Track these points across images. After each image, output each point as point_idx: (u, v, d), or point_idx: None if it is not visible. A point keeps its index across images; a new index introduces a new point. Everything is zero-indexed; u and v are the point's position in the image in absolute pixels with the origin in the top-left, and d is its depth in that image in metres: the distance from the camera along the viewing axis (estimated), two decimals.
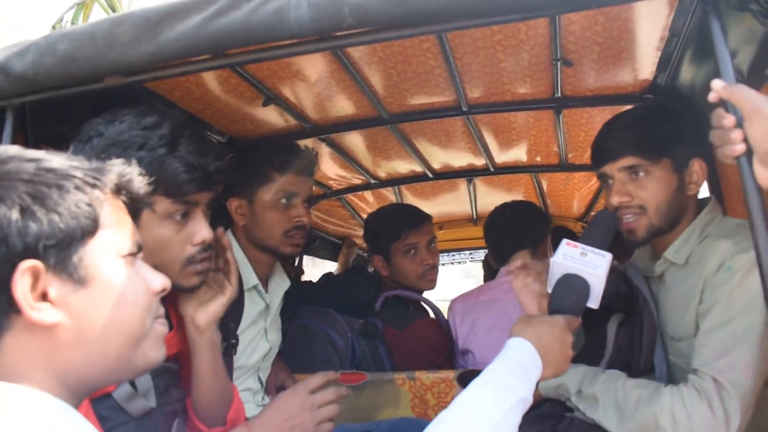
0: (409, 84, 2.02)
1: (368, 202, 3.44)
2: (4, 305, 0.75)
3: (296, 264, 3.05)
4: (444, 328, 2.51)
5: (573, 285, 1.34)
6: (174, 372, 1.46)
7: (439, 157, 2.84)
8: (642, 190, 1.57)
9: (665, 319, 1.58)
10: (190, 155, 1.31)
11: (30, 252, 0.76)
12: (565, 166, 2.89)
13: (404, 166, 2.94)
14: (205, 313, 1.42)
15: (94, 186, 0.83)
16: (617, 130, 1.66)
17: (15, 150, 0.83)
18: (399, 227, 2.59)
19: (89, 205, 0.82)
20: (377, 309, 2.50)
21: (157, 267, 1.28)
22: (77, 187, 0.81)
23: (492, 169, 2.95)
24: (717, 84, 1.07)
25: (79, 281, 0.80)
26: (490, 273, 3.92)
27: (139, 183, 0.91)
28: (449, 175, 3.07)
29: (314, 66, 1.86)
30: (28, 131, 1.51)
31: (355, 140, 2.58)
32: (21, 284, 0.75)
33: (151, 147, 1.28)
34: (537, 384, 1.19)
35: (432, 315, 2.62)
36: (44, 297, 0.77)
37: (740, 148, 1.07)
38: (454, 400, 1.06)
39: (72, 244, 0.79)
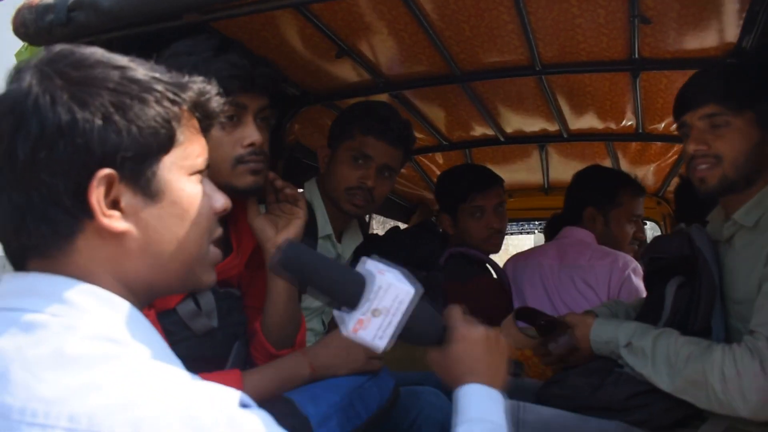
0: (482, 40, 2.02)
1: (439, 165, 3.45)
2: (78, 209, 0.77)
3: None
4: (506, 289, 2.53)
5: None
6: (237, 297, 1.55)
7: (512, 121, 2.82)
8: (720, 140, 1.53)
9: (730, 282, 1.54)
10: (234, 58, 1.41)
11: (108, 161, 0.77)
12: (641, 136, 2.81)
13: (476, 128, 2.92)
14: (287, 235, 1.52)
15: (173, 102, 0.84)
16: (702, 79, 1.63)
17: (101, 54, 0.83)
18: (467, 188, 2.60)
19: (168, 121, 0.83)
20: (442, 263, 2.53)
21: (209, 167, 1.38)
22: (157, 101, 0.82)
23: (565, 135, 2.90)
24: None
25: (150, 196, 0.82)
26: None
27: (217, 102, 0.92)
28: (521, 139, 3.03)
29: (386, 18, 1.88)
30: None
31: (427, 99, 2.58)
32: (97, 191, 0.77)
33: (199, 52, 1.40)
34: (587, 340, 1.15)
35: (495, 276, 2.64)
36: (115, 205, 0.79)
37: None
38: None
39: (147, 159, 0.81)
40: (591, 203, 2.61)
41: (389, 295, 1.02)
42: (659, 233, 4.19)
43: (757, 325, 1.35)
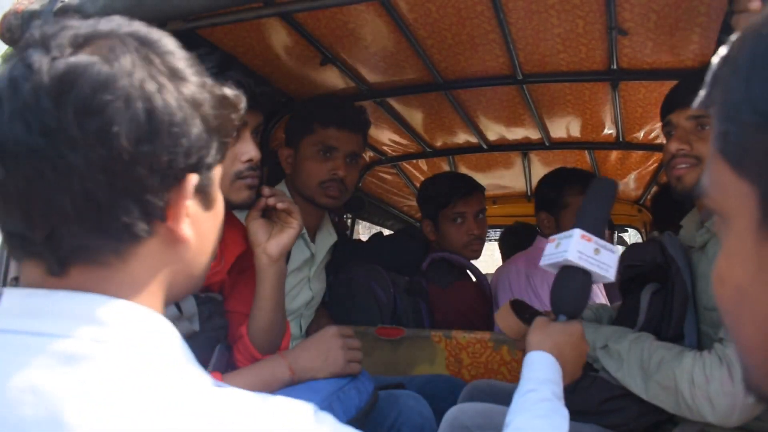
0: (463, 48, 2.05)
1: (423, 171, 3.49)
2: (158, 211, 0.70)
3: (339, 220, 3.14)
4: (486, 293, 2.56)
5: (585, 288, 1.29)
6: (218, 302, 1.57)
7: (494, 128, 2.86)
8: (703, 142, 1.56)
9: (702, 289, 1.57)
10: (239, 75, 1.43)
11: (198, 166, 0.73)
12: (621, 144, 2.86)
13: (459, 135, 2.96)
14: (277, 243, 1.55)
15: (237, 113, 0.82)
16: (693, 80, 1.65)
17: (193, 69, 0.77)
18: (449, 194, 2.63)
19: (232, 131, 0.81)
20: (423, 268, 2.56)
21: None
22: (230, 111, 0.79)
23: (547, 144, 2.94)
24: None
25: (207, 204, 0.78)
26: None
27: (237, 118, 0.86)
28: (504, 147, 3.08)
29: (370, 26, 1.91)
30: None
31: (410, 106, 2.62)
32: (184, 195, 0.72)
33: (204, 68, 1.40)
34: None
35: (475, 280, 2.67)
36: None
37: None
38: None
39: (213, 166, 0.78)
40: (543, 207, 2.65)
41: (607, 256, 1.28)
42: (641, 240, 4.24)
43: (726, 332, 1.38)
